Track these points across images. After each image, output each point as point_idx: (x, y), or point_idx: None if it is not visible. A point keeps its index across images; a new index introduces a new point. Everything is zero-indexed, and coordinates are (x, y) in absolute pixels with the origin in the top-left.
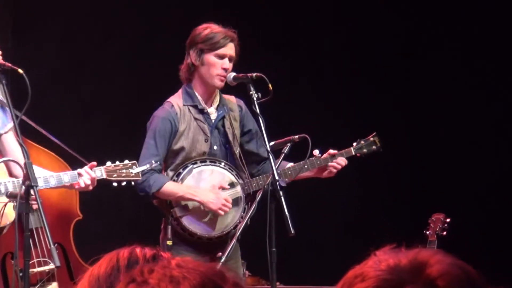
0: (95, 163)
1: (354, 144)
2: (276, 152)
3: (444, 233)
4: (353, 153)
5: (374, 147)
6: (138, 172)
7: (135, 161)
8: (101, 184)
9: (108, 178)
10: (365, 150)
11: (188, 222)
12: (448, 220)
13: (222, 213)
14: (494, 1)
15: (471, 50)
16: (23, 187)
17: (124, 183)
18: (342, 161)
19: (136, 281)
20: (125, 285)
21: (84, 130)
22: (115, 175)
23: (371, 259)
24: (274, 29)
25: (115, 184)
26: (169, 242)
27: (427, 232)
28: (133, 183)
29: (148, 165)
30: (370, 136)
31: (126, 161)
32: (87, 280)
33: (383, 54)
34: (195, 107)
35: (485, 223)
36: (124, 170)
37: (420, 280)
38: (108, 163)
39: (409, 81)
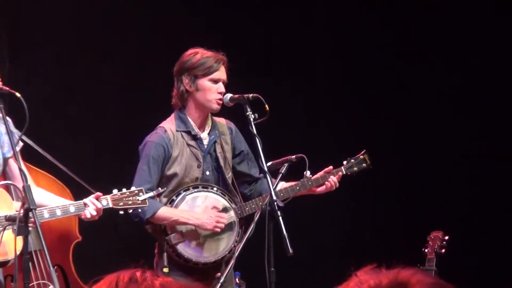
0: (100, 194)
1: (344, 163)
2: (274, 172)
3: (443, 250)
4: (344, 172)
5: (364, 164)
6: (145, 199)
7: (142, 188)
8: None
9: (114, 207)
10: (355, 169)
11: (183, 249)
12: (446, 237)
13: (219, 230)
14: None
15: (458, 62)
16: (22, 210)
17: (130, 211)
18: (336, 179)
19: None
20: None
21: (74, 154)
22: (121, 203)
23: (352, 280)
24: (266, 49)
25: (121, 212)
26: (165, 269)
27: (426, 250)
28: (139, 210)
29: (154, 192)
30: (360, 154)
31: (133, 188)
32: None
33: (373, 70)
34: (189, 133)
35: (484, 240)
36: (130, 198)
37: None
38: (115, 191)
39: (400, 96)
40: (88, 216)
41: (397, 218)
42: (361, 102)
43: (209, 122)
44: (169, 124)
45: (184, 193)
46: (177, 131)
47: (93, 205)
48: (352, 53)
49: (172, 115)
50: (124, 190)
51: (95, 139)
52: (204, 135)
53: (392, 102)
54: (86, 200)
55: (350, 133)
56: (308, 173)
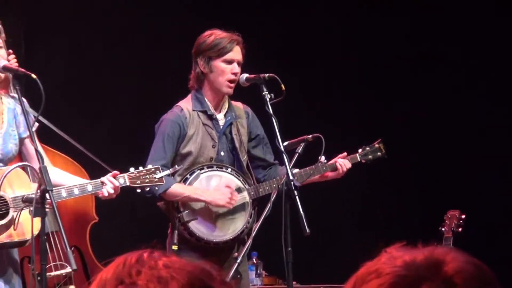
0: (117, 172)
1: (360, 150)
2: (290, 152)
3: (460, 229)
4: (359, 159)
5: (379, 153)
6: (161, 177)
7: (158, 166)
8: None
9: (131, 185)
10: (370, 157)
11: (196, 227)
12: (463, 216)
13: (231, 206)
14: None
15: (470, 54)
16: (38, 191)
17: (148, 189)
18: (347, 162)
19: (124, 283)
20: (114, 287)
21: (91, 136)
22: (138, 181)
23: (384, 255)
24: (284, 34)
25: (138, 190)
26: (174, 247)
27: (443, 229)
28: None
29: (171, 170)
30: (376, 143)
31: (149, 166)
32: (96, 285)
33: (390, 61)
34: (205, 112)
35: (500, 219)
36: (147, 176)
37: (437, 278)
38: (131, 170)
39: (416, 80)
40: (106, 194)
41: (413, 197)
42: (378, 88)
43: (226, 104)
44: (186, 104)
45: (199, 171)
46: (193, 110)
47: (110, 183)
48: (370, 40)
49: (189, 95)
50: (140, 168)
51: (110, 121)
52: (220, 116)
53: (409, 87)
54: (103, 178)
55: (365, 116)
56: (322, 158)
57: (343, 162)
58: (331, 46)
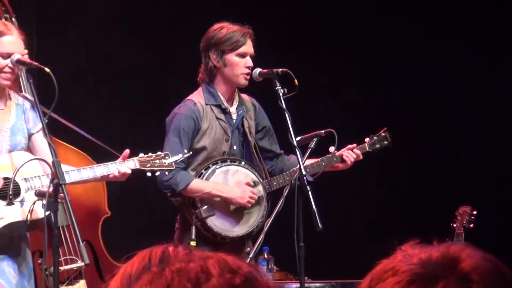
0: (128, 150)
1: (367, 139)
2: (303, 147)
3: (471, 225)
4: (367, 149)
5: (385, 142)
6: (171, 162)
7: (167, 152)
8: (129, 181)
9: (142, 168)
10: (378, 146)
11: (213, 223)
12: (475, 212)
13: (250, 205)
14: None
15: (474, 53)
16: (51, 185)
17: (158, 173)
18: (356, 153)
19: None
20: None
21: (105, 127)
22: (149, 165)
23: (399, 253)
24: (294, 27)
25: (149, 174)
26: (192, 243)
27: (454, 225)
28: (158, 177)
29: (181, 155)
30: (382, 131)
31: (159, 152)
32: (120, 278)
33: (400, 54)
34: (218, 106)
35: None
36: (157, 161)
37: (454, 275)
38: (141, 154)
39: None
40: (116, 173)
41: (425, 193)
42: (385, 81)
43: (237, 97)
44: (198, 97)
45: (214, 166)
46: (206, 104)
47: (120, 165)
48: (379, 34)
49: (200, 89)
50: (150, 154)
51: (124, 113)
52: (233, 110)
53: (417, 77)
54: (113, 162)
55: (373, 110)
56: (332, 149)
57: (350, 154)
58: (344, 40)
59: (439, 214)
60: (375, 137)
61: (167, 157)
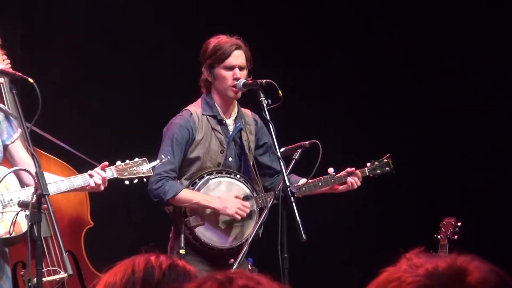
0: (106, 163)
1: (368, 164)
2: (287, 158)
3: (456, 236)
4: (367, 173)
5: (387, 168)
6: (149, 169)
7: (145, 158)
8: (112, 191)
9: (119, 177)
10: (378, 171)
11: (201, 233)
12: (459, 223)
13: (239, 217)
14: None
15: (471, 68)
16: (35, 196)
17: (136, 181)
18: (357, 180)
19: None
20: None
21: (91, 139)
22: (126, 173)
23: (404, 262)
24: (288, 40)
25: (127, 182)
26: (182, 251)
27: (438, 236)
28: (145, 179)
29: (158, 161)
30: (384, 158)
31: (136, 159)
32: None
33: (390, 64)
34: (214, 117)
35: (497, 226)
36: (135, 168)
37: None
38: (118, 163)
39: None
40: (93, 184)
41: (409, 204)
42: (375, 95)
43: (235, 110)
44: (195, 108)
45: (208, 177)
46: (202, 114)
47: (98, 174)
48: (371, 45)
49: (199, 99)
50: (127, 161)
51: (110, 126)
52: (230, 122)
53: (404, 92)
54: (91, 171)
55: (364, 125)
56: (331, 170)
57: (354, 180)
58: (332, 49)
59: (423, 225)
60: (376, 162)
61: (144, 163)
